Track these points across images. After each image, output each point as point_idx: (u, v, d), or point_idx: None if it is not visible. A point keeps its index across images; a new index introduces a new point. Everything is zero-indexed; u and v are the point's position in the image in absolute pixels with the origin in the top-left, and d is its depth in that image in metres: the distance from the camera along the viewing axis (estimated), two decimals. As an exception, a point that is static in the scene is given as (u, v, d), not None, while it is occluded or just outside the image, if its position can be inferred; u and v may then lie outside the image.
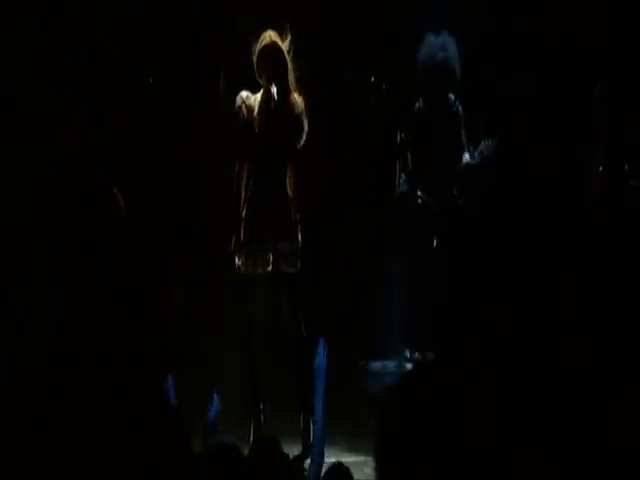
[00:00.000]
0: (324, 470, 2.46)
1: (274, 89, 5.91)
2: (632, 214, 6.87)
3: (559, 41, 7.89)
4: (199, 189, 8.10)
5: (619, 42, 7.28)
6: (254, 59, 5.98)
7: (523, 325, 5.78)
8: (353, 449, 5.68)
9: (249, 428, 6.03)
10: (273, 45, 5.95)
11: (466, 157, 7.22)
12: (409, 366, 7.08)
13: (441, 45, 7.20)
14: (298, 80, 6.05)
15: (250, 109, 6.02)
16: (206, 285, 8.05)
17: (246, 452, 3.84)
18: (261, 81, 5.99)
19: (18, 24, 7.62)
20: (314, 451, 5.26)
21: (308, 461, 5.89)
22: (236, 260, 6.04)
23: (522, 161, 7.70)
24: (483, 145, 7.18)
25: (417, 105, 7.33)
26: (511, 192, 7.62)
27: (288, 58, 5.97)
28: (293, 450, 5.93)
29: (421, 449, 1.75)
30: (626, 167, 7.07)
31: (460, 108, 7.29)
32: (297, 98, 6.04)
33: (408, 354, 7.27)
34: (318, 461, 5.06)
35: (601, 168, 7.06)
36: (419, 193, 7.26)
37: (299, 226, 6.05)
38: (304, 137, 6.05)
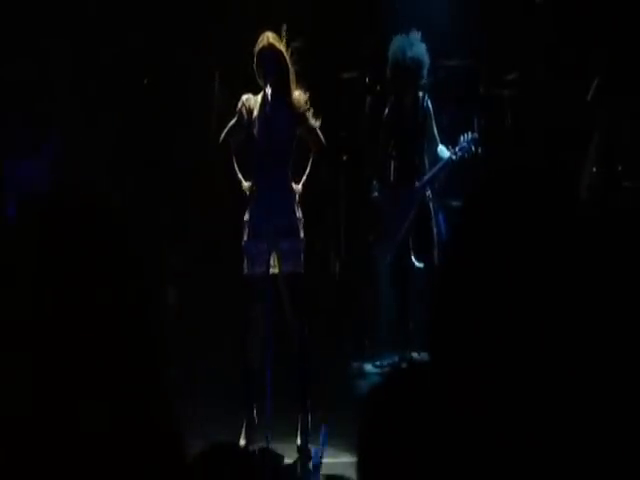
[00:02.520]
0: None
1: (269, 90, 5.89)
2: (625, 215, 6.89)
3: (553, 39, 7.92)
4: (196, 189, 8.12)
5: (614, 41, 7.30)
6: (253, 61, 5.97)
7: (518, 325, 5.79)
8: (352, 449, 5.68)
9: (242, 428, 6.04)
10: (271, 47, 5.93)
11: (446, 153, 7.22)
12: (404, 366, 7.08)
13: (410, 43, 7.21)
14: (299, 79, 6.03)
15: (250, 111, 6.02)
16: (202, 285, 8.06)
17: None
18: (260, 82, 5.99)
19: (18, 25, 7.63)
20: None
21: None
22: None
23: (514, 160, 7.71)
24: (463, 140, 7.20)
25: (386, 110, 7.33)
26: (504, 191, 7.62)
27: (287, 58, 5.96)
28: (291, 450, 5.95)
29: (403, 451, 1.76)
30: (619, 168, 7.10)
31: (430, 104, 7.28)
32: (299, 96, 6.03)
33: (404, 355, 7.28)
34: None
35: (595, 168, 7.09)
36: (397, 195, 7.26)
37: (302, 225, 6.05)
38: (320, 132, 6.08)
